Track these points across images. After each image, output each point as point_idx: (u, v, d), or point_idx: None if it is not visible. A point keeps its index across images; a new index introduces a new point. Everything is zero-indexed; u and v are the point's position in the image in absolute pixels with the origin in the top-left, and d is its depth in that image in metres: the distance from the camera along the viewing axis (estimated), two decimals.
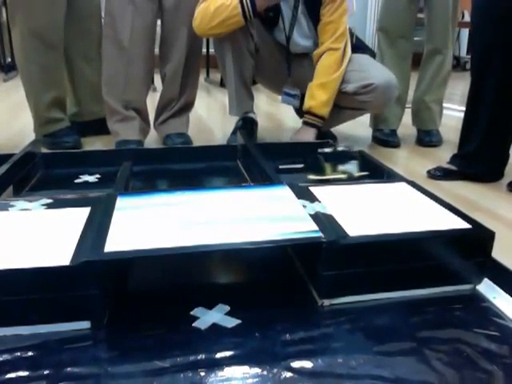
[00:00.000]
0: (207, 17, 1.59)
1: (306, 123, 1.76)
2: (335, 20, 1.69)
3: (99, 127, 1.92)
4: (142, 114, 1.78)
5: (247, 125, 1.88)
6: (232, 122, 1.95)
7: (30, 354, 0.63)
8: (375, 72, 1.72)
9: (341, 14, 1.70)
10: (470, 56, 4.52)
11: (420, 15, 1.94)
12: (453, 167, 1.52)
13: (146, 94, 1.80)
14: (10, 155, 1.24)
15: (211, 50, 3.82)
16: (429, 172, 1.54)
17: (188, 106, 1.87)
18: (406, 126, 2.03)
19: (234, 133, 1.86)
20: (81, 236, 0.72)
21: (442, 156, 1.70)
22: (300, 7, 1.72)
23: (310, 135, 1.74)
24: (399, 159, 1.78)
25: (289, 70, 1.85)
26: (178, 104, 1.83)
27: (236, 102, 1.86)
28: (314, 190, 0.93)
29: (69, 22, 1.77)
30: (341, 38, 1.71)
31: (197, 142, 1.86)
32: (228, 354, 0.63)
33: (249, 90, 1.88)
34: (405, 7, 1.84)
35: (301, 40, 1.80)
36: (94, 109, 1.96)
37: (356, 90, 1.71)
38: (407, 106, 2.01)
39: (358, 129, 2.08)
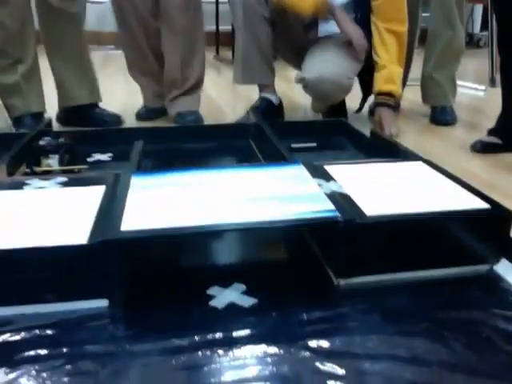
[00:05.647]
0: None
1: (383, 105, 1.68)
2: None
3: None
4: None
5: (262, 109, 1.76)
6: (242, 100, 1.91)
7: (49, 332, 0.63)
8: (315, 64, 1.64)
9: None
10: (483, 33, 4.43)
11: None
12: (496, 140, 1.49)
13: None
14: (23, 134, 1.24)
15: (221, 27, 3.77)
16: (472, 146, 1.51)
17: (198, 84, 1.85)
18: (418, 104, 2.00)
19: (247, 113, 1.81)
20: (97, 215, 0.72)
21: (457, 134, 1.68)
22: None
23: (393, 117, 1.68)
24: (412, 138, 1.76)
25: (310, 24, 1.74)
26: (189, 82, 1.81)
27: (242, 67, 1.73)
28: (329, 168, 0.92)
29: None
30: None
31: (207, 120, 1.84)
32: (245, 332, 0.63)
33: (265, 59, 1.73)
34: None
35: None
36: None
37: (298, 81, 1.66)
38: (415, 84, 1.98)
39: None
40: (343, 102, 1.88)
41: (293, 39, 1.80)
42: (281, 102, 1.86)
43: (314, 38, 1.78)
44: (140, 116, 1.86)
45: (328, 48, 1.69)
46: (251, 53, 1.71)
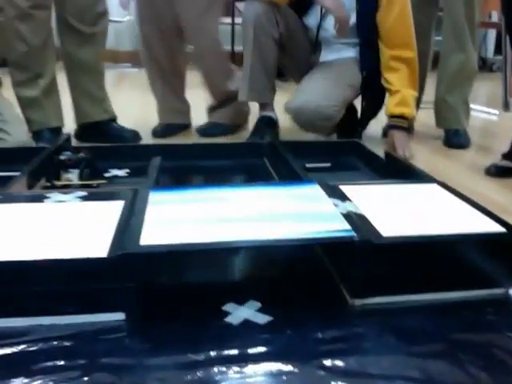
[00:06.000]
0: None
1: (396, 127, 1.71)
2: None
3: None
4: None
5: (265, 126, 1.81)
6: (254, 116, 1.93)
7: (66, 343, 0.64)
8: (301, 93, 1.68)
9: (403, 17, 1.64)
10: (496, 57, 4.45)
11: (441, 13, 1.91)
12: (510, 164, 1.48)
13: None
14: (43, 148, 1.26)
15: (236, 48, 3.82)
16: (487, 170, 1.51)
17: (232, 97, 1.90)
18: (431, 127, 2.01)
19: (253, 133, 1.82)
20: (116, 229, 0.73)
21: (470, 157, 1.69)
22: None
23: (406, 139, 1.70)
24: (425, 160, 1.76)
25: (314, 47, 1.79)
26: (222, 95, 1.91)
27: (248, 85, 1.76)
28: (345, 189, 0.92)
29: None
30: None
31: (219, 139, 1.87)
32: (260, 349, 0.64)
33: (269, 79, 1.77)
34: (422, 6, 1.81)
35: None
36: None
37: (285, 110, 1.70)
38: (429, 106, 1.99)
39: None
40: (354, 123, 1.89)
41: (300, 60, 1.84)
42: (277, 120, 1.89)
43: (315, 63, 1.81)
44: (156, 133, 1.89)
45: (319, 76, 1.73)
46: (258, 72, 1.74)
